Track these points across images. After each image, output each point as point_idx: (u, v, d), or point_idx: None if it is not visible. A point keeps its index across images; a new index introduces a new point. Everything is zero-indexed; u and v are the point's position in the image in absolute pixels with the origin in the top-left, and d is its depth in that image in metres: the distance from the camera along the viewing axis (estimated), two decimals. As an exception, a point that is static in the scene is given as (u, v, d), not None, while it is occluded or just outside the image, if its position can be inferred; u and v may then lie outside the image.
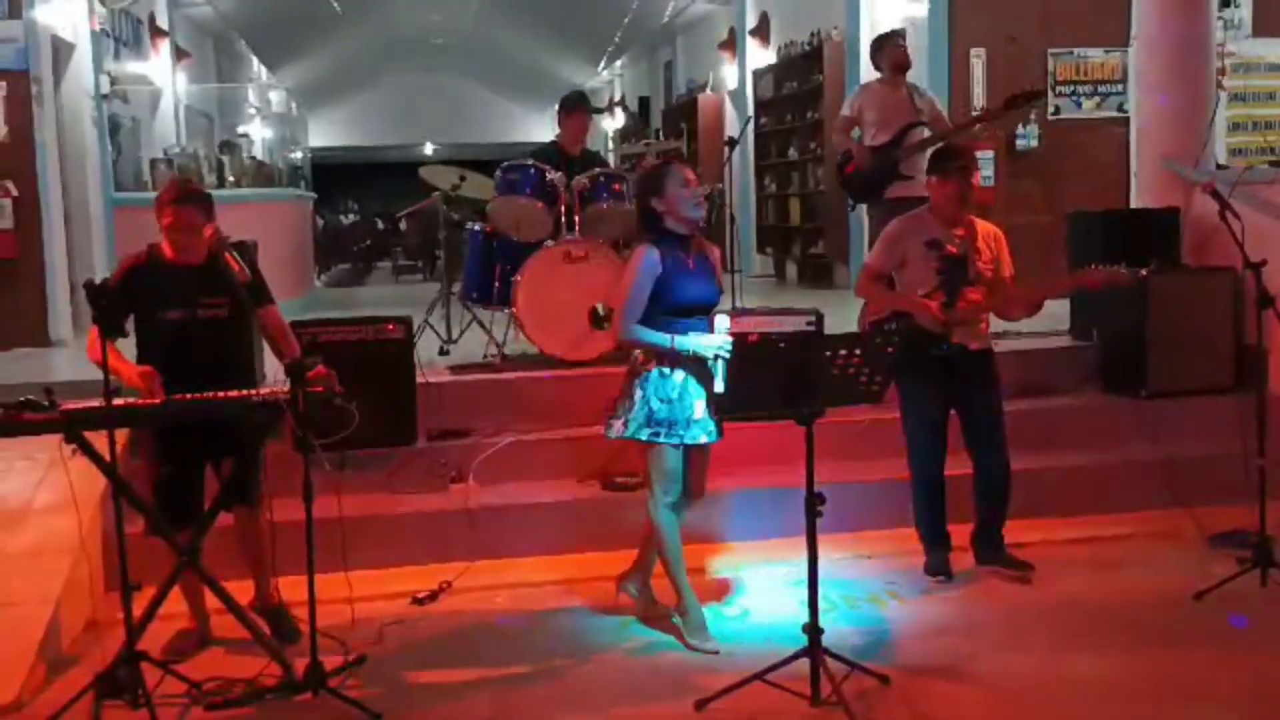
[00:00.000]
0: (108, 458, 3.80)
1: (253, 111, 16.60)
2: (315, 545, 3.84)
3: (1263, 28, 8.86)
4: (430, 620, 4.71)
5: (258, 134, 16.13)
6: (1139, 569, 5.08)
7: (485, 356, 6.74)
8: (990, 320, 5.03)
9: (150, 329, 4.26)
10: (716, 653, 4.24)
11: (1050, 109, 9.04)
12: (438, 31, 21.03)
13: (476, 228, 6.89)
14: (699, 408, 4.24)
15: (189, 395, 3.97)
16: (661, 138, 15.93)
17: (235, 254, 4.26)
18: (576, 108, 7.12)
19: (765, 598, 4.81)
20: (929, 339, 4.78)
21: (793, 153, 12.45)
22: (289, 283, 9.53)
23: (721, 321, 4.20)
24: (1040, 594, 4.81)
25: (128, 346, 4.27)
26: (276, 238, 9.71)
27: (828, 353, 3.79)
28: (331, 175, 24.03)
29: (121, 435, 4.47)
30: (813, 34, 11.62)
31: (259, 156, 14.69)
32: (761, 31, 13.43)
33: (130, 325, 4.29)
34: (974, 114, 8.30)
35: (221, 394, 3.97)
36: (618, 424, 4.30)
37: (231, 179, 11.54)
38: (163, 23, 12.65)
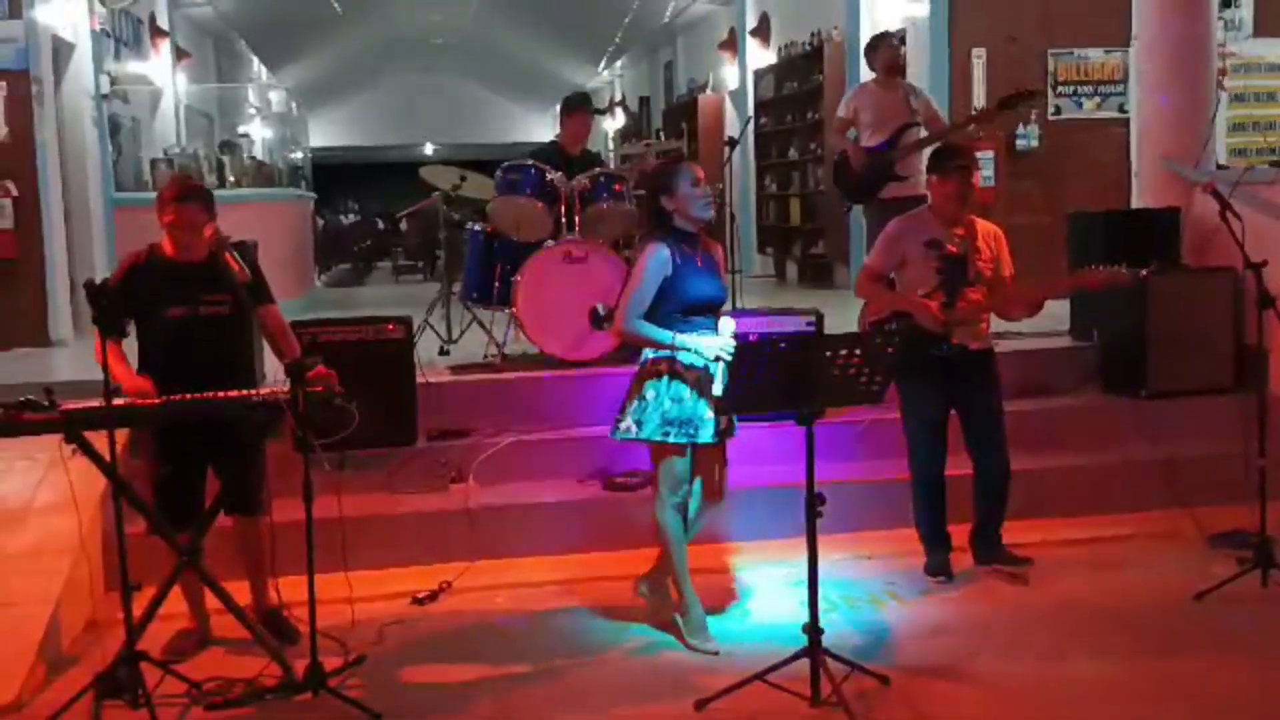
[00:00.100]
0: (108, 458, 3.80)
1: (253, 111, 16.59)
2: (315, 545, 3.84)
3: (1263, 28, 8.86)
4: (430, 620, 4.71)
5: (258, 134, 16.11)
6: (1139, 569, 5.08)
7: (485, 356, 6.74)
8: (990, 320, 5.03)
9: (152, 327, 4.26)
10: (716, 653, 4.24)
11: (1051, 109, 9.05)
12: (438, 31, 21.04)
13: (477, 228, 6.90)
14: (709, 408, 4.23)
15: (189, 395, 3.97)
16: (662, 138, 15.93)
17: (235, 254, 4.26)
18: (579, 108, 7.12)
19: (765, 598, 4.81)
20: (929, 339, 4.78)
21: (793, 153, 12.46)
22: (289, 283, 9.53)
23: (726, 324, 4.20)
24: (1040, 594, 4.81)
25: (132, 349, 4.28)
26: (276, 238, 9.72)
27: (828, 353, 3.79)
28: (332, 175, 24.03)
29: (121, 435, 4.47)
30: (813, 34, 11.63)
31: (259, 156, 14.67)
32: (762, 32, 13.44)
33: (131, 325, 4.29)
34: (971, 114, 8.30)
35: (221, 394, 3.97)
36: (628, 425, 4.26)
37: (232, 179, 11.53)
38: (163, 23, 12.65)
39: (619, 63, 21.15)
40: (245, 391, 4.05)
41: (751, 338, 3.87)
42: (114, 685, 3.70)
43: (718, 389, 4.05)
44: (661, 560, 4.57)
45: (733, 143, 7.84)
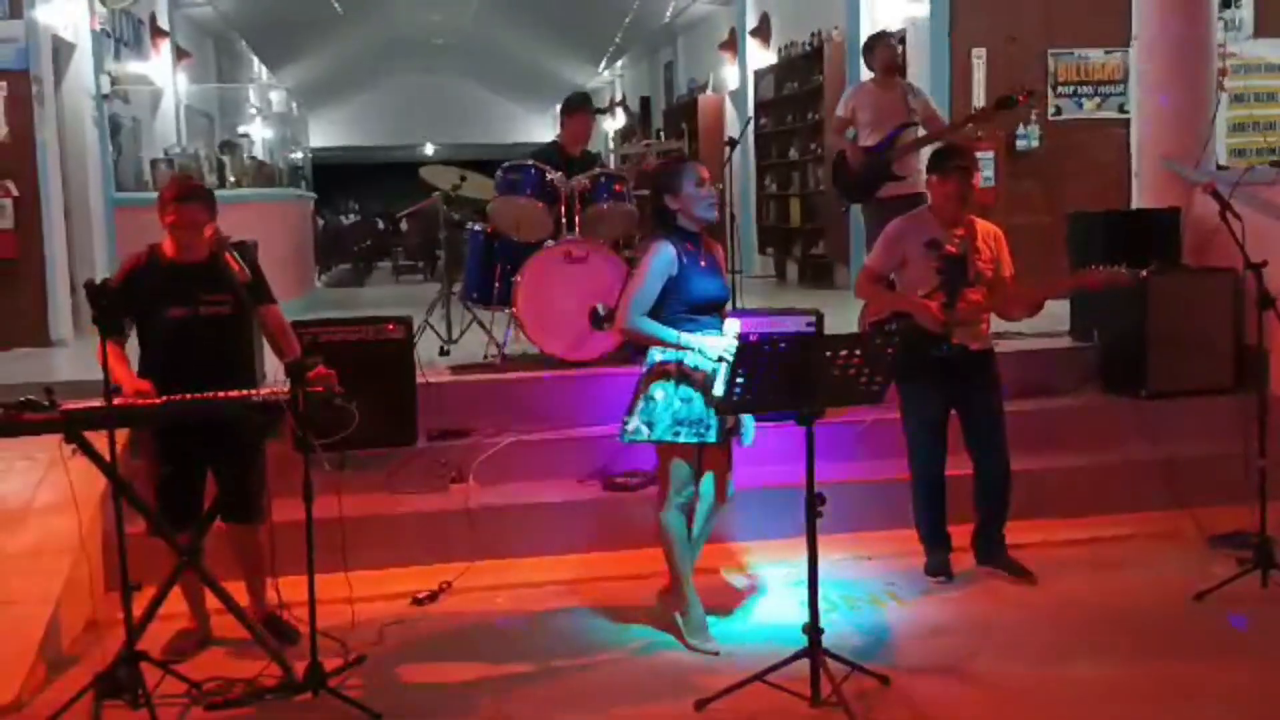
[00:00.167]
0: (108, 458, 3.80)
1: (253, 111, 16.58)
2: (315, 545, 3.83)
3: (1264, 29, 8.86)
4: (430, 620, 4.71)
5: (258, 134, 16.11)
6: (1139, 570, 5.08)
7: (485, 357, 6.75)
8: (990, 320, 5.03)
9: (152, 328, 4.26)
10: (716, 653, 4.24)
11: (1051, 109, 9.05)
12: (438, 32, 21.04)
13: (477, 228, 6.90)
14: None
15: (189, 395, 3.97)
16: (662, 138, 15.94)
17: (235, 254, 4.26)
18: (579, 109, 7.12)
19: (765, 598, 4.81)
20: (929, 340, 4.78)
21: (793, 153, 12.46)
22: (289, 283, 9.54)
23: (731, 324, 4.20)
24: (1040, 595, 4.81)
25: (133, 350, 4.28)
26: (277, 238, 9.72)
27: (828, 353, 3.79)
28: (332, 175, 24.02)
29: (122, 435, 4.47)
30: (813, 34, 11.63)
31: (259, 157, 14.67)
32: (762, 32, 13.44)
33: (131, 325, 4.29)
34: (969, 113, 8.31)
35: (221, 394, 3.97)
36: (637, 426, 4.23)
37: (232, 179, 11.53)
38: (163, 23, 12.65)
39: (619, 63, 21.15)
40: (245, 392, 4.05)
41: (752, 338, 3.87)
42: (114, 685, 3.70)
43: (718, 389, 4.05)
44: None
45: (733, 143, 7.84)
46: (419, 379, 5.82)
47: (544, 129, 24.71)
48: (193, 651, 4.34)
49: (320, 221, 18.43)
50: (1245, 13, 8.86)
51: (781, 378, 3.73)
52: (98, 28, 9.62)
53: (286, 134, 17.76)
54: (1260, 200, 6.28)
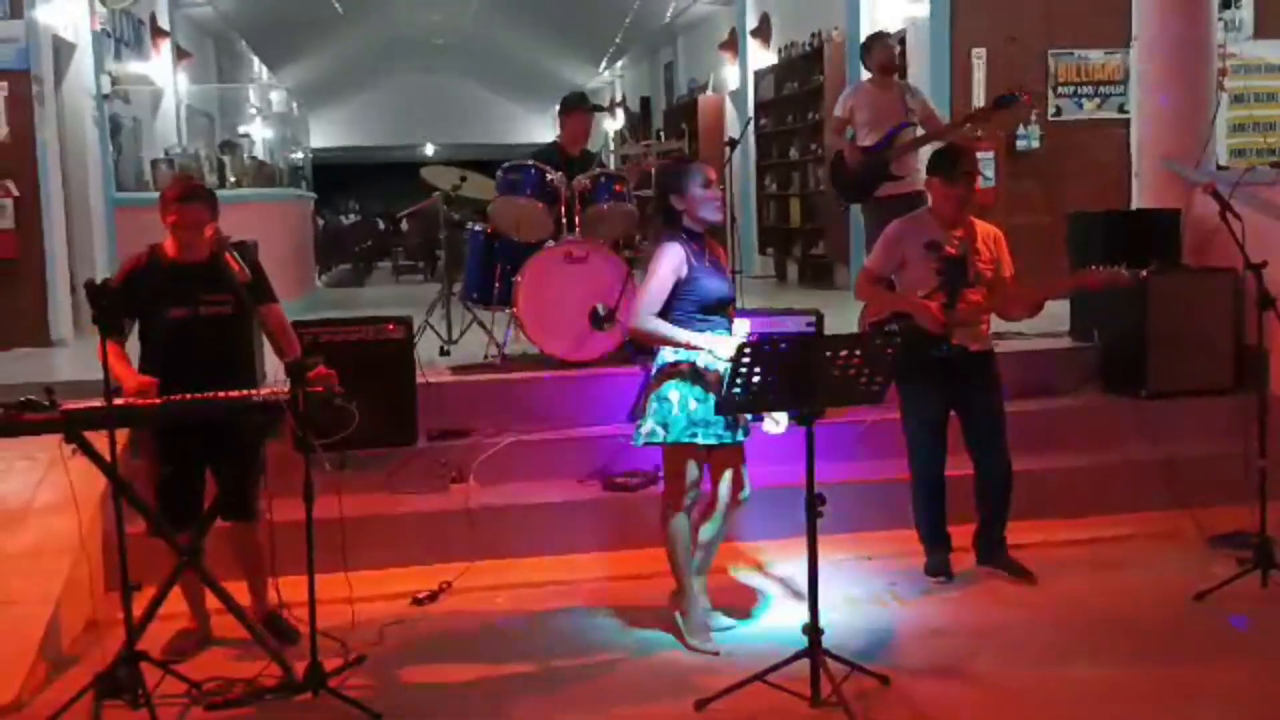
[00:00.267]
0: (108, 458, 3.80)
1: (253, 111, 16.58)
2: (315, 545, 3.83)
3: (1264, 29, 8.86)
4: (430, 620, 4.71)
5: (258, 134, 16.11)
6: (1139, 570, 5.08)
7: (486, 357, 6.75)
8: (991, 321, 5.03)
9: (153, 328, 4.27)
10: (716, 653, 4.24)
11: (1051, 110, 9.05)
12: (438, 32, 21.04)
13: (477, 228, 6.90)
14: None
15: (189, 395, 3.97)
16: (663, 138, 15.94)
17: (235, 254, 4.26)
18: (576, 108, 7.12)
19: (766, 598, 4.81)
20: (929, 340, 4.77)
21: (793, 153, 12.46)
22: (290, 283, 9.53)
23: (741, 325, 4.19)
24: (1040, 595, 4.80)
25: (133, 350, 4.28)
26: (277, 238, 9.72)
27: (828, 353, 3.79)
28: (332, 175, 24.03)
29: (122, 435, 4.47)
30: (813, 35, 11.63)
31: (260, 157, 14.67)
32: (762, 32, 13.44)
33: (131, 326, 4.29)
34: (968, 113, 8.30)
35: (222, 394, 3.97)
36: (652, 428, 4.21)
37: (232, 179, 11.53)
38: (164, 23, 12.66)
39: (619, 63, 21.15)
40: (245, 392, 4.05)
41: (752, 338, 3.87)
42: (114, 685, 3.70)
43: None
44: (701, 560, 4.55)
45: (733, 143, 7.84)
46: (419, 379, 5.82)
47: (544, 129, 24.71)
48: (193, 651, 4.34)
49: (320, 221, 18.43)
50: (1245, 13, 8.86)
51: (781, 378, 3.74)
52: (98, 28, 9.62)
53: (287, 134, 17.77)
54: (1260, 200, 6.28)
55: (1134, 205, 7.46)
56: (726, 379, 3.80)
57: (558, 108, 7.26)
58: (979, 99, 8.76)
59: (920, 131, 7.29)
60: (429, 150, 27.75)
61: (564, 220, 6.48)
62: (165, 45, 12.57)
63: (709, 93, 15.28)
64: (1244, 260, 4.85)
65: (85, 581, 4.35)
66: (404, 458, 5.61)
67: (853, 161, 7.43)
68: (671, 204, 4.29)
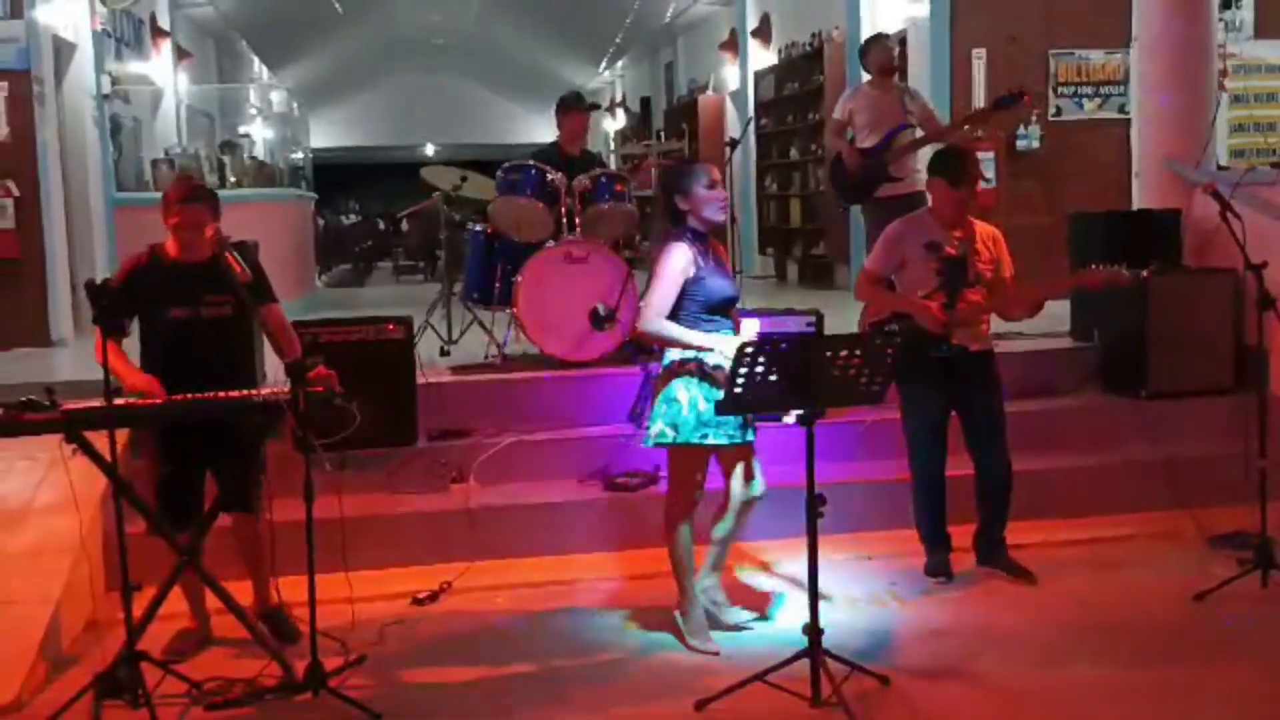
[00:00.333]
0: (108, 458, 3.80)
1: (254, 111, 16.58)
2: (315, 545, 3.83)
3: (1264, 29, 8.87)
4: (430, 620, 4.71)
5: (259, 134, 16.11)
6: (1140, 570, 5.08)
7: (486, 357, 6.75)
8: (991, 321, 5.03)
9: (153, 328, 4.27)
10: (716, 654, 4.24)
11: (1051, 110, 9.05)
12: (438, 32, 21.04)
13: (477, 228, 6.90)
14: None
15: (190, 395, 3.97)
16: (663, 138, 15.94)
17: (236, 254, 4.26)
18: (572, 107, 7.13)
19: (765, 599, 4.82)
20: (929, 340, 4.77)
21: (794, 153, 12.46)
22: (290, 283, 9.53)
23: (749, 325, 4.18)
24: (1041, 595, 4.80)
25: (133, 350, 4.28)
26: (277, 238, 9.72)
27: (828, 353, 3.79)
28: (332, 176, 24.04)
29: (122, 435, 4.47)
30: (814, 35, 11.64)
31: (260, 157, 14.67)
32: (763, 32, 13.44)
33: (131, 325, 4.29)
34: (967, 114, 8.31)
35: (222, 394, 3.97)
36: (661, 429, 4.20)
37: (233, 179, 11.53)
38: (164, 23, 12.66)
39: (620, 63, 21.15)
40: (246, 392, 4.05)
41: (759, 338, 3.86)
42: (114, 685, 3.70)
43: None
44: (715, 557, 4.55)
45: (733, 143, 7.83)
46: (419, 379, 5.82)
47: (544, 129, 24.49)
48: (193, 651, 4.34)
49: (321, 222, 18.44)
50: (1245, 13, 8.87)
51: (781, 378, 3.73)
52: (98, 28, 9.63)
53: (287, 134, 17.76)
54: (1260, 201, 6.28)
55: (1134, 205, 7.46)
56: (727, 379, 3.80)
57: (554, 108, 7.25)
58: (979, 99, 8.75)
59: (919, 133, 7.30)
60: (429, 150, 27.75)
61: (564, 220, 6.48)
62: (165, 45, 12.57)
63: (709, 93, 15.28)
64: (1244, 260, 4.85)
65: (85, 581, 4.35)
66: (404, 458, 5.61)
67: (852, 163, 7.43)
68: (676, 204, 4.29)
